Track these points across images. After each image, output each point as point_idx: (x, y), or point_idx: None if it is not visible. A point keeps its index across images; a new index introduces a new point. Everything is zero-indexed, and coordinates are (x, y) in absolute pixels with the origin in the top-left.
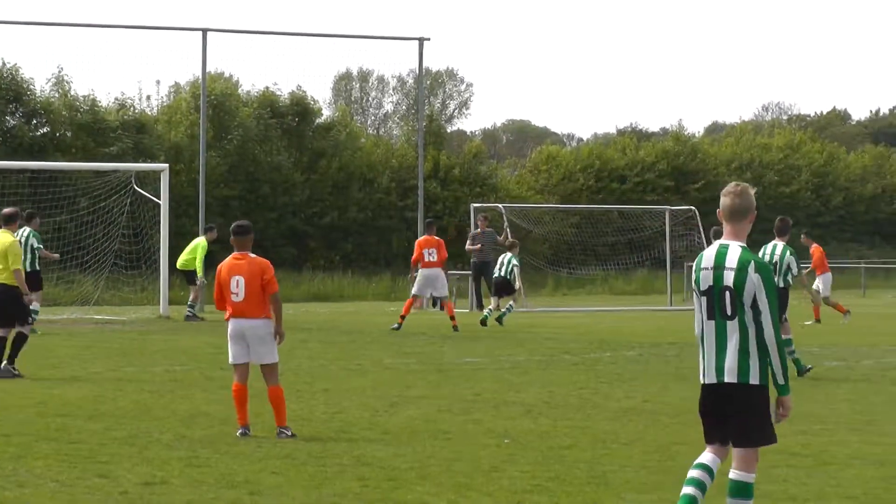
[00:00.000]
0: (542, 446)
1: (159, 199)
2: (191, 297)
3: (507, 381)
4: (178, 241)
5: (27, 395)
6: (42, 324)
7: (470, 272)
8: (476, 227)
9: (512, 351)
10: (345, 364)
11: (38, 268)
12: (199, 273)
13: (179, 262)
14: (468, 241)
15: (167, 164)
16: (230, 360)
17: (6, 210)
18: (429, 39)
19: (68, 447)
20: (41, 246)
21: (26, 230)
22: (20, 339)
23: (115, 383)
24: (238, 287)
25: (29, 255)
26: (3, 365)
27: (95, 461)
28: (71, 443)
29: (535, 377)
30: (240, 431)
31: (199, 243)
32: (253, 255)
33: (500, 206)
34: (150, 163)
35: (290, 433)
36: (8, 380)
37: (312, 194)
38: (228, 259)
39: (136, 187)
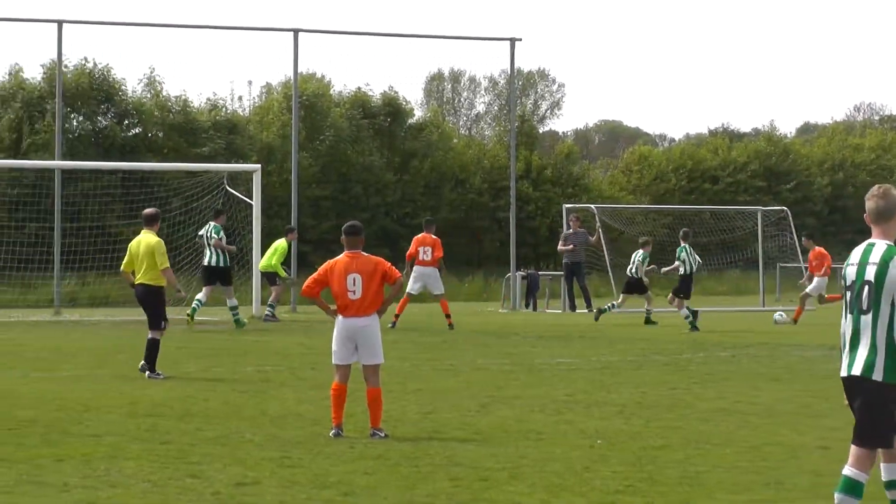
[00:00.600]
0: (635, 447)
1: (251, 200)
2: (271, 298)
3: (599, 382)
4: (270, 242)
5: (118, 395)
6: (135, 325)
7: (562, 272)
8: (568, 227)
9: (604, 351)
10: (437, 365)
11: (228, 263)
12: (282, 274)
13: (261, 265)
14: (560, 242)
15: (259, 165)
16: (334, 360)
17: (148, 211)
18: (520, 40)
19: (160, 447)
20: (215, 236)
21: (211, 224)
22: (153, 346)
23: (206, 383)
24: (355, 285)
25: (216, 252)
26: (147, 374)
27: (187, 461)
28: (162, 443)
29: (628, 378)
30: (333, 432)
31: (280, 245)
32: (365, 254)
33: (592, 206)
34: (242, 163)
35: (383, 434)
36: (99, 382)
37: (404, 195)
38: (342, 257)
39: (229, 188)
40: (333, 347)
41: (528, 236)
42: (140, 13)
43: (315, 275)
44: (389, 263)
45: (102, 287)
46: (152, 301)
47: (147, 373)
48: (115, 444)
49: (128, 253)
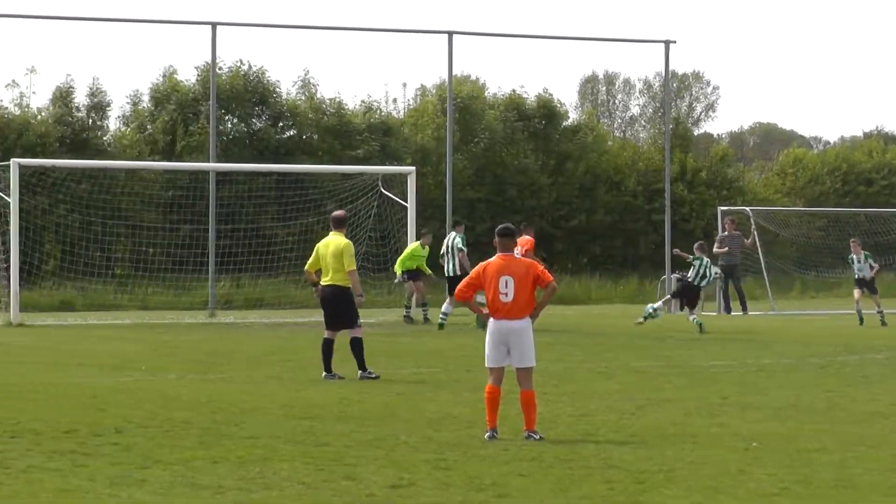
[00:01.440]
0: (789, 449)
1: (406, 202)
2: (413, 299)
3: (753, 385)
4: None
5: (273, 397)
6: (290, 327)
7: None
8: (723, 230)
9: (759, 354)
10: (592, 367)
11: (458, 272)
12: (399, 272)
13: (397, 267)
14: (716, 244)
15: (414, 167)
16: (487, 363)
17: (337, 213)
18: (675, 42)
19: (315, 449)
20: (464, 248)
21: (453, 235)
22: (357, 344)
23: (361, 385)
24: (507, 287)
25: (454, 258)
26: (359, 374)
27: (342, 463)
28: (317, 445)
29: (782, 380)
30: (488, 434)
31: (414, 248)
32: (518, 256)
33: (746, 209)
34: (397, 165)
35: (538, 436)
36: (254, 384)
37: (559, 197)
38: (495, 259)
39: (383, 190)
40: (486, 350)
41: (682, 238)
42: (294, 15)
43: (468, 278)
44: (543, 266)
45: (257, 289)
46: (342, 302)
47: (359, 373)
48: (269, 446)
49: (314, 253)
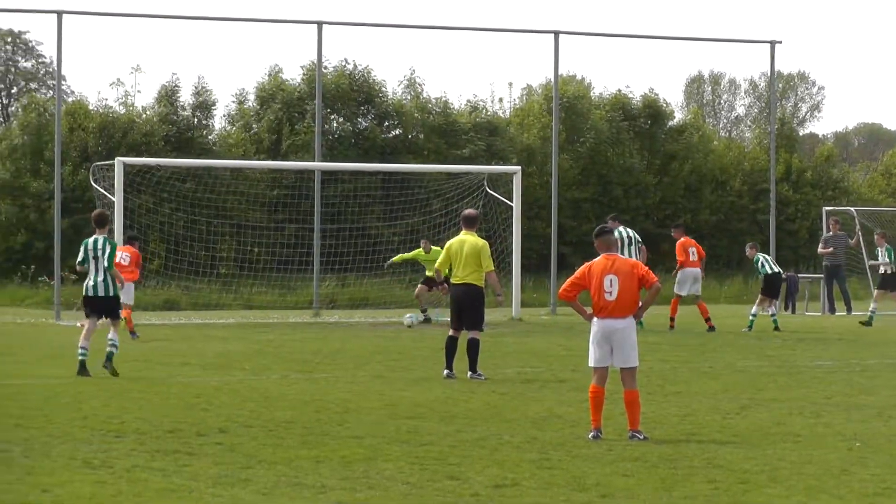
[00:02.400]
0: (893, 449)
1: (511, 202)
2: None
3: (857, 384)
4: (531, 244)
5: (378, 397)
6: (394, 327)
7: (822, 275)
8: (828, 230)
9: (863, 354)
10: (696, 366)
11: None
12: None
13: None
14: (820, 245)
15: (519, 167)
16: (591, 362)
17: (468, 212)
18: (780, 42)
19: (419, 449)
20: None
21: (626, 229)
22: (475, 346)
23: (466, 385)
24: (612, 286)
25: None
26: (468, 374)
27: (446, 463)
28: (422, 445)
29: (887, 380)
30: (592, 434)
31: (416, 253)
32: (622, 256)
33: (851, 209)
34: (503, 165)
35: (642, 436)
36: (359, 383)
37: (664, 197)
38: (599, 259)
39: (489, 190)
40: (590, 350)
41: (787, 239)
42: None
43: (572, 277)
44: (647, 267)
45: (362, 288)
46: (474, 302)
47: (469, 374)
48: (374, 446)
49: (444, 252)
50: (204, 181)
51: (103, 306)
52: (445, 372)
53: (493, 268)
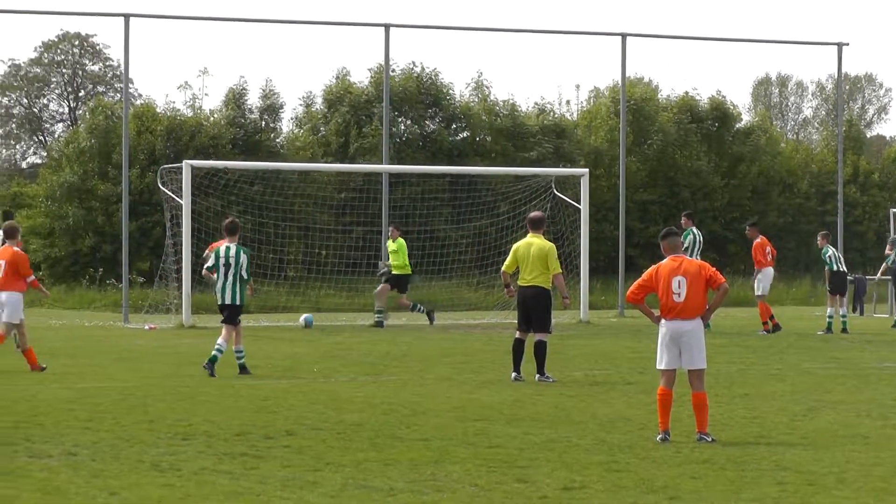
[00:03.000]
0: None
1: (579, 204)
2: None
3: None
4: (598, 246)
5: (445, 399)
6: (462, 329)
7: (889, 277)
8: None
9: None
10: (764, 369)
11: None
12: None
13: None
14: (888, 246)
15: (587, 169)
16: (659, 364)
17: (535, 214)
18: (847, 44)
19: (487, 451)
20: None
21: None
22: (542, 348)
23: (534, 387)
24: (680, 287)
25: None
26: (536, 377)
27: (514, 466)
28: (490, 447)
29: None
30: (660, 436)
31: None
32: (689, 258)
33: None
34: (570, 167)
35: (710, 438)
36: (426, 385)
37: (732, 199)
38: (666, 261)
39: (556, 192)
40: (658, 352)
41: (855, 241)
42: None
43: (640, 280)
44: (714, 268)
45: (430, 291)
46: (542, 304)
47: (537, 376)
48: (441, 449)
49: (511, 254)
50: (272, 184)
51: (226, 311)
52: (513, 374)
53: (560, 270)
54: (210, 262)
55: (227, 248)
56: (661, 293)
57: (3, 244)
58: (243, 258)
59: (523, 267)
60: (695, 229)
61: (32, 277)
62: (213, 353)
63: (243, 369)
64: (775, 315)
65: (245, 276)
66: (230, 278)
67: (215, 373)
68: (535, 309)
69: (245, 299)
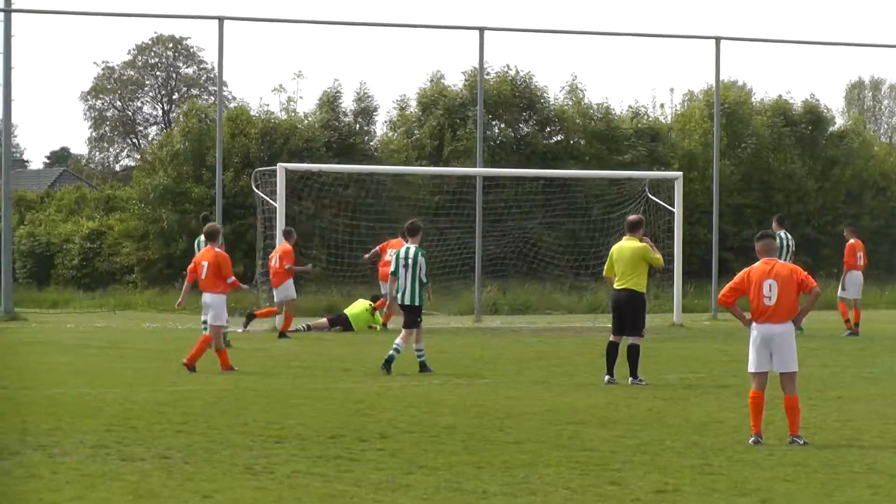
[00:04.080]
0: None
1: (673, 207)
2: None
3: None
4: (692, 249)
5: (538, 402)
6: (556, 332)
7: None
8: None
9: None
10: (857, 371)
11: None
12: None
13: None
14: None
15: (681, 173)
16: (751, 367)
17: (631, 217)
18: None
19: (580, 454)
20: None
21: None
22: (635, 351)
23: (628, 390)
24: (771, 290)
25: None
26: (629, 380)
27: (607, 469)
28: (583, 450)
29: None
30: (752, 439)
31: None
32: (781, 261)
33: None
34: (664, 171)
35: (802, 441)
36: (519, 388)
37: (825, 203)
38: (758, 264)
39: (650, 195)
40: (750, 355)
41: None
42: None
43: (731, 283)
44: (806, 272)
45: (523, 294)
46: (636, 306)
47: (630, 379)
48: (535, 451)
49: (609, 258)
50: (366, 187)
51: (406, 313)
52: (606, 377)
53: (661, 261)
54: (392, 267)
55: (407, 250)
56: (752, 296)
57: (205, 245)
58: (421, 260)
59: (617, 270)
60: (783, 233)
61: (233, 279)
62: (391, 352)
63: (423, 367)
64: (861, 321)
65: (424, 279)
66: (409, 280)
67: (392, 371)
68: (628, 312)
69: (424, 301)
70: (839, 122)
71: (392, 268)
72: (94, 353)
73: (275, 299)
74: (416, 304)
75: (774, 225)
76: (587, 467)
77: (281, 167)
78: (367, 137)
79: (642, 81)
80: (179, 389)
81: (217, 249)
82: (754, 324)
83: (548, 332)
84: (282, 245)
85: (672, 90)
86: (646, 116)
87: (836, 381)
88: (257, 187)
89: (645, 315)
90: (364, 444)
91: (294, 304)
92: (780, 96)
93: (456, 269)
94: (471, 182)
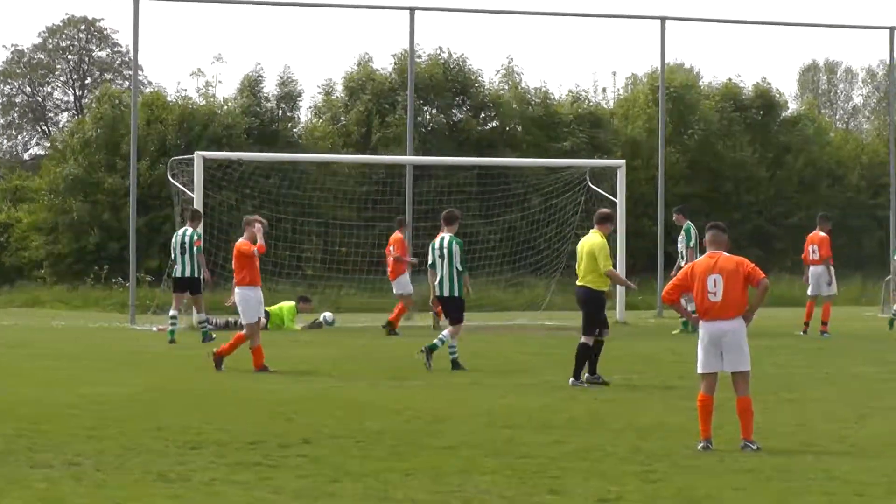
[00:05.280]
0: None
1: (615, 197)
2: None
3: None
4: (636, 242)
5: (475, 405)
6: (491, 330)
7: None
8: None
9: None
10: (811, 373)
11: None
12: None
13: None
14: None
15: (624, 161)
16: (700, 368)
17: (602, 211)
18: None
19: (516, 461)
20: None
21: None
22: (582, 351)
23: (565, 392)
24: (716, 286)
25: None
26: (570, 381)
27: (546, 476)
28: (520, 456)
29: None
30: (701, 444)
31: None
32: (726, 254)
33: None
34: (606, 159)
35: (755, 447)
36: (455, 390)
37: (778, 192)
38: (702, 259)
39: (591, 184)
40: (698, 355)
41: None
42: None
43: (675, 279)
44: (753, 264)
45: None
46: (585, 305)
47: (571, 380)
48: (468, 458)
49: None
50: (289, 176)
51: (445, 306)
52: (586, 376)
53: (610, 266)
54: (430, 260)
55: (442, 239)
56: (696, 293)
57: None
58: (455, 248)
59: (578, 265)
60: (688, 224)
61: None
62: (435, 342)
63: (455, 365)
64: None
65: (459, 268)
66: (445, 270)
67: (431, 366)
68: (582, 310)
69: (463, 292)
70: (792, 106)
71: (430, 260)
72: (2, 352)
73: (393, 292)
74: (456, 295)
75: (677, 217)
76: (524, 475)
77: (198, 155)
78: (290, 124)
79: (583, 64)
80: (92, 392)
81: (239, 241)
82: (702, 322)
83: (483, 329)
84: (394, 234)
85: (615, 74)
86: (587, 101)
87: (790, 383)
88: (173, 177)
89: (600, 314)
90: (286, 450)
91: (411, 299)
92: (729, 80)
93: (384, 263)
94: (400, 171)
